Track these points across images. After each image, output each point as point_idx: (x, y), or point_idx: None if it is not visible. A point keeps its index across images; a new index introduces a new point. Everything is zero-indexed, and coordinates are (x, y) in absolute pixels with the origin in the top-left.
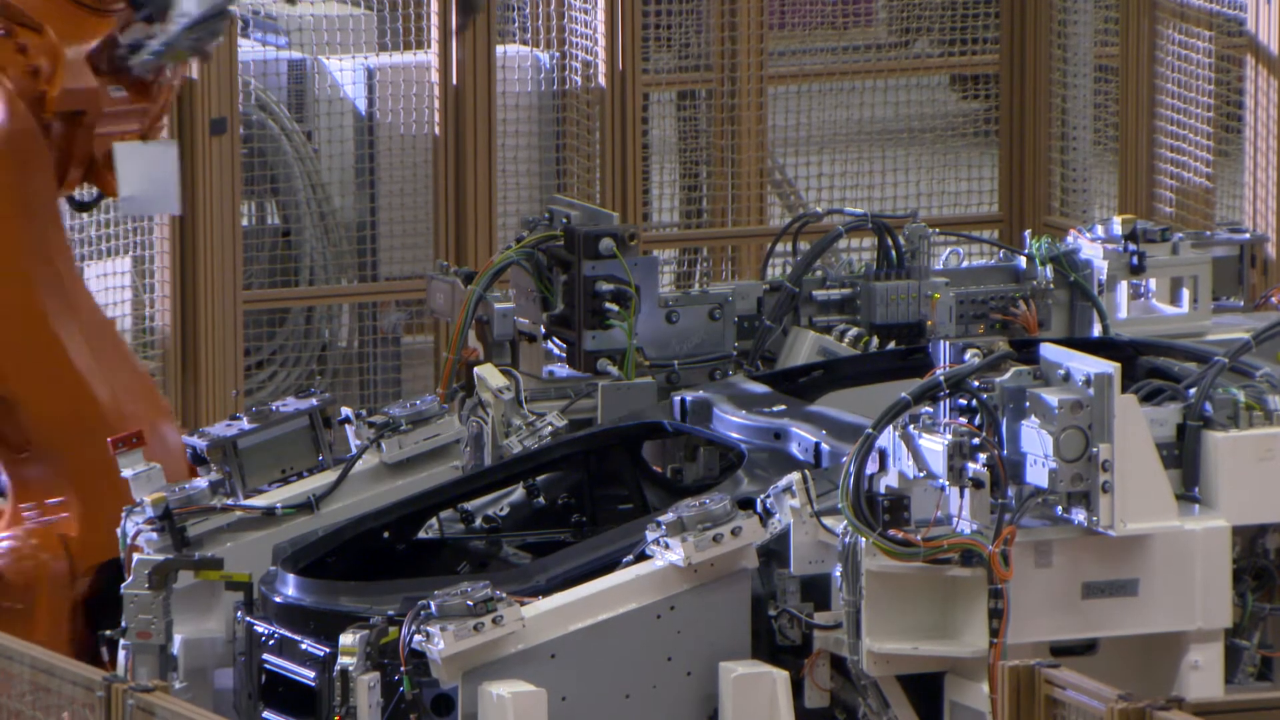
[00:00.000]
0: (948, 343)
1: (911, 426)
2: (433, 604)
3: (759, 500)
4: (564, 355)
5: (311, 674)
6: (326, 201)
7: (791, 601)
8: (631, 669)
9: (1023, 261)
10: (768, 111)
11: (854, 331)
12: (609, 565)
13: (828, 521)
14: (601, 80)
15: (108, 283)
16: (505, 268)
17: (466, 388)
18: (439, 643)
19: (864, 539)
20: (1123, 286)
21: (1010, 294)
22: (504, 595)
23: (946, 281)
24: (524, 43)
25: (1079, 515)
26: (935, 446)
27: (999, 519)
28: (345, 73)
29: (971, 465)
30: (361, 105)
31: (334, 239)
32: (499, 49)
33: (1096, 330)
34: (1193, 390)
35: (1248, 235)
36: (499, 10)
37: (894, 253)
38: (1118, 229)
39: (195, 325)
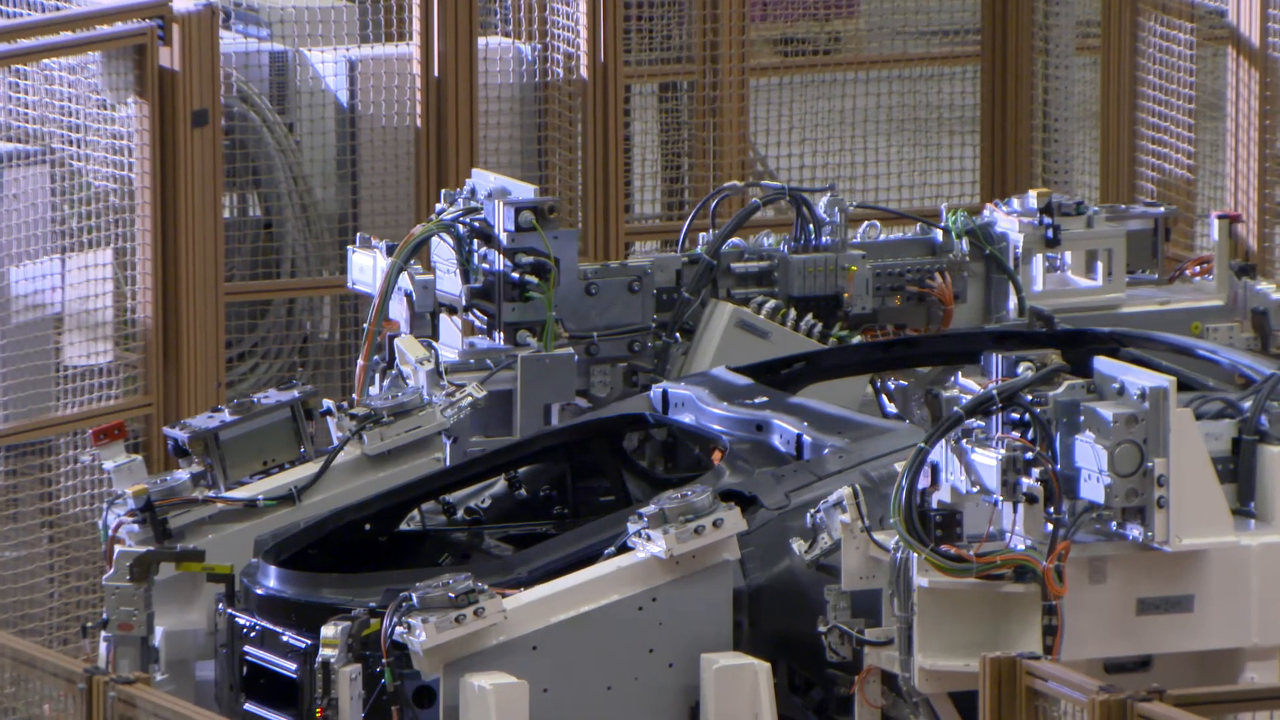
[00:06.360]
0: (999, 356)
1: (964, 440)
2: (414, 596)
3: (809, 515)
4: (485, 327)
5: (293, 666)
6: (308, 193)
7: (842, 617)
8: (613, 661)
9: (939, 234)
10: (749, 103)
11: (772, 304)
12: (591, 557)
13: (879, 537)
14: (583, 72)
15: (89, 275)
16: (426, 240)
17: (387, 359)
18: (420, 634)
19: (916, 555)
20: (1038, 259)
21: (927, 266)
22: (485, 587)
23: (863, 254)
24: (506, 35)
25: (1134, 530)
26: (988, 461)
27: (1053, 534)
28: (327, 64)
29: (1025, 480)
30: (343, 97)
31: (315, 231)
32: (480, 41)
33: (1012, 302)
34: (1248, 404)
35: (1162, 209)
36: (481, 2)
37: (811, 225)
38: (1033, 202)
39: (177, 317)
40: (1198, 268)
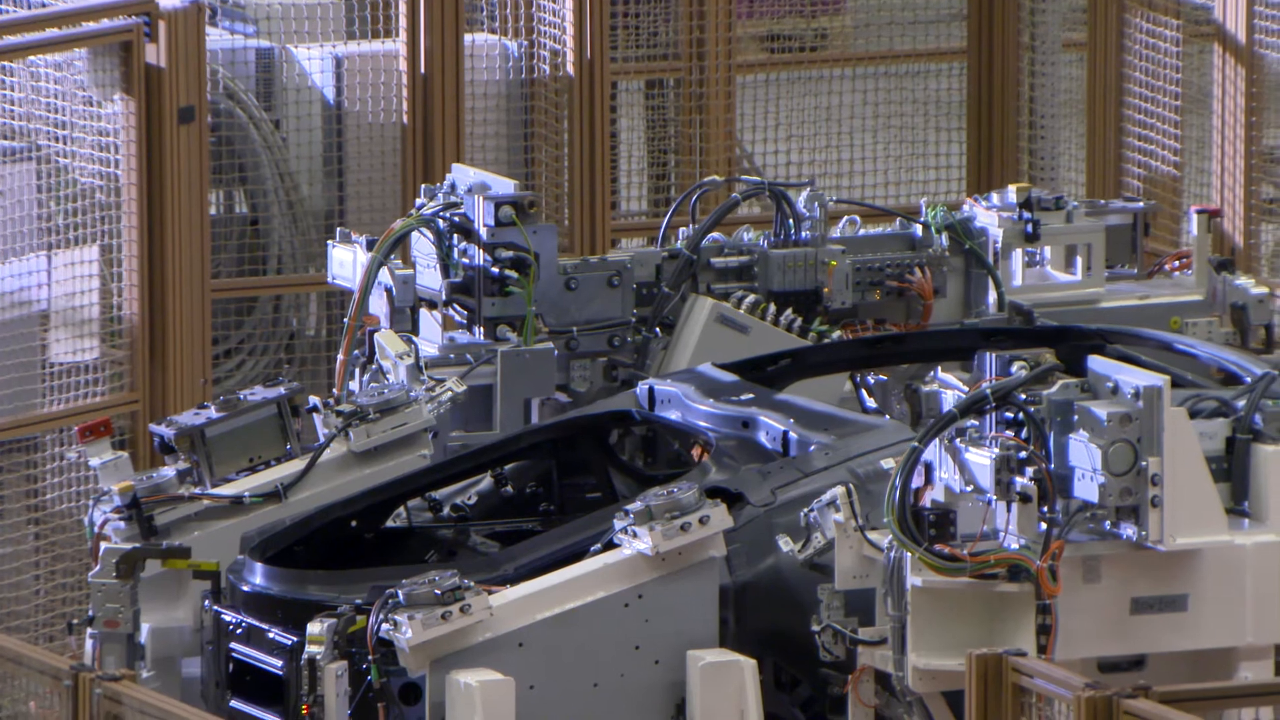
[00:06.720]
0: (993, 354)
1: (958, 439)
2: (400, 593)
3: (802, 514)
4: (464, 322)
5: (279, 663)
6: (294, 190)
7: (836, 616)
8: (599, 658)
9: (919, 229)
10: (736, 100)
11: (751, 299)
12: (577, 554)
13: (873, 536)
14: (569, 69)
15: (75, 271)
16: (405, 235)
17: (368, 354)
18: (407, 631)
19: (910, 554)
20: (1017, 254)
21: (906, 261)
22: (472, 584)
23: (843, 249)
24: (492, 31)
25: (1128, 530)
26: (982, 460)
27: (1047, 534)
28: (313, 61)
29: (1019, 479)
30: (330, 94)
31: (302, 228)
32: (467, 37)
33: (992, 297)
34: (1241, 403)
35: (1141, 204)
36: None
37: (791, 220)
38: (1013, 197)
39: (163, 314)
40: (1177, 263)
